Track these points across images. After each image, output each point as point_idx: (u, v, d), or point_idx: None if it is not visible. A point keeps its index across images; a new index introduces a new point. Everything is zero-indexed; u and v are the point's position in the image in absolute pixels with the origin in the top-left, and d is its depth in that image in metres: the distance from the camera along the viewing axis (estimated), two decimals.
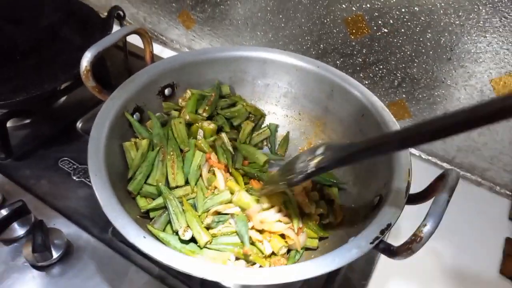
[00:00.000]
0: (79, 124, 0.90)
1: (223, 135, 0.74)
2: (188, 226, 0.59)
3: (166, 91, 0.74)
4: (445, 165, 0.94)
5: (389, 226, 0.50)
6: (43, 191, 0.76)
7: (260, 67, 0.80)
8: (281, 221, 0.62)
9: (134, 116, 0.68)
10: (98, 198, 0.50)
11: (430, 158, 0.96)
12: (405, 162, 0.59)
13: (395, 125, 0.66)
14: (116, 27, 0.96)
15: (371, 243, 0.48)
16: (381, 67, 0.88)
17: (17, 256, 0.66)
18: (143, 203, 0.64)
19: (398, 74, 0.87)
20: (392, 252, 0.49)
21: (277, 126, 0.83)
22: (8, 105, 0.76)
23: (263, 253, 0.60)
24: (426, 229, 0.45)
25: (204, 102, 0.76)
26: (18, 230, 0.68)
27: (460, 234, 0.81)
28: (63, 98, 0.93)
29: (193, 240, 0.60)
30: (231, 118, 0.78)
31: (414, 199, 0.57)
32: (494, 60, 0.75)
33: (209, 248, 0.59)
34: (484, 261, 0.77)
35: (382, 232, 0.49)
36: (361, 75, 0.91)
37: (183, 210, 0.61)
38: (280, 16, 0.93)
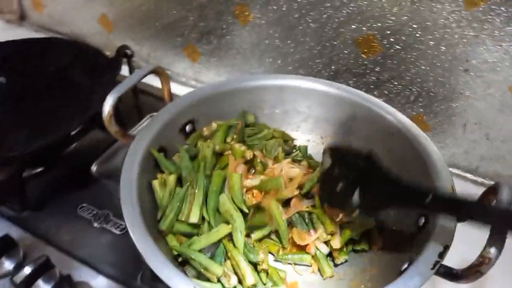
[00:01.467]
0: (94, 168, 0.87)
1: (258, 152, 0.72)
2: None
3: (187, 128, 0.73)
4: (468, 175, 0.92)
5: (446, 248, 0.48)
6: (64, 242, 0.73)
7: (278, 94, 0.79)
8: None
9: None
10: (143, 255, 0.48)
11: (451, 169, 0.94)
12: (446, 178, 0.58)
13: (427, 140, 0.65)
14: (124, 67, 0.96)
15: (431, 268, 0.46)
16: (395, 83, 0.87)
17: None
18: (174, 242, 0.61)
19: (413, 89, 0.86)
20: (456, 276, 0.47)
21: (306, 147, 0.81)
22: (24, 155, 0.74)
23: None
24: (493, 250, 0.43)
25: (231, 131, 0.74)
26: (42, 287, 0.65)
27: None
28: (76, 143, 0.91)
29: None
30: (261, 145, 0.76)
31: None
32: None
33: None
34: None
35: (441, 255, 0.47)
36: (375, 93, 0.90)
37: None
38: (289, 41, 0.93)
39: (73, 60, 0.95)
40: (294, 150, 0.80)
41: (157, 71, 0.69)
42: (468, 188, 0.81)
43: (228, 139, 0.72)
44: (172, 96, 0.74)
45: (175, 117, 0.69)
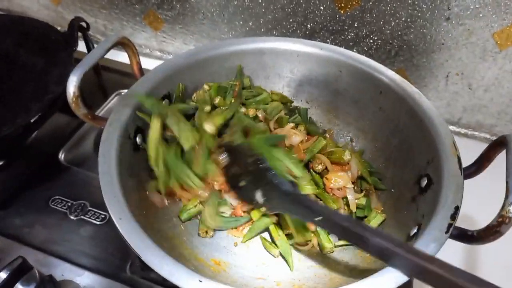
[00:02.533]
0: (61, 156, 0.80)
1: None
2: None
3: (164, 103, 0.66)
4: (451, 127, 0.92)
5: (457, 209, 0.46)
6: (40, 240, 0.67)
7: (258, 59, 0.73)
8: None
9: (137, 138, 0.60)
10: (133, 247, 0.43)
11: None
12: (446, 135, 0.55)
13: (421, 96, 0.62)
14: (79, 42, 0.87)
15: (446, 232, 0.44)
16: (375, 38, 0.83)
17: None
18: None
19: (394, 43, 0.83)
20: (472, 237, 0.45)
21: (306, 110, 0.76)
22: None
23: None
24: None
25: (229, 94, 0.69)
26: None
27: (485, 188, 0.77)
28: (37, 131, 0.82)
29: None
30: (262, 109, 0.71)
31: (466, 173, 0.53)
32: (495, 12, 0.72)
33: None
34: None
35: (453, 217, 0.45)
36: (355, 50, 0.86)
37: None
38: (259, 0, 0.86)
39: (21, 39, 0.84)
40: (294, 114, 0.75)
41: (123, 42, 0.61)
42: None
43: (227, 102, 0.67)
44: (141, 70, 0.66)
45: (149, 92, 0.62)
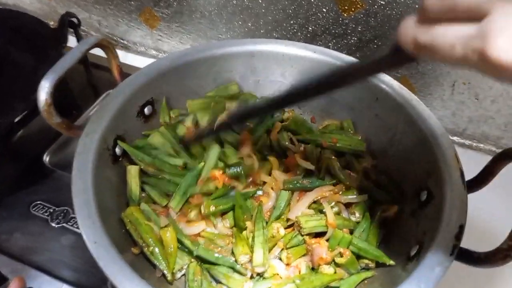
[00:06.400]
0: (46, 158, 0.76)
1: None
2: None
3: (146, 110, 0.62)
4: (455, 138, 0.88)
5: (462, 229, 0.43)
6: (18, 248, 0.64)
7: (248, 62, 0.69)
8: None
9: (117, 149, 0.56)
10: (108, 275, 0.39)
11: None
12: (447, 146, 0.52)
13: (420, 104, 0.59)
14: (71, 38, 0.83)
15: (450, 254, 0.40)
16: (379, 43, 0.79)
17: None
18: None
19: None
20: (478, 260, 0.41)
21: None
22: None
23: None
24: None
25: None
26: None
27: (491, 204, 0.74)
28: (22, 131, 0.78)
29: None
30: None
31: (468, 187, 0.49)
32: None
33: None
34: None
35: (458, 237, 0.42)
36: (357, 55, 0.82)
37: None
38: (260, 0, 0.82)
39: (9, 34, 0.81)
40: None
41: (101, 44, 0.56)
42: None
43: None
44: (122, 74, 0.61)
45: (130, 98, 0.57)
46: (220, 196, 0.59)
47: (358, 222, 0.58)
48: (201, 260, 0.54)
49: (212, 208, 0.57)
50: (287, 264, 0.54)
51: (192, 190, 0.58)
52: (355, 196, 0.60)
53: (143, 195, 0.59)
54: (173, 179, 0.59)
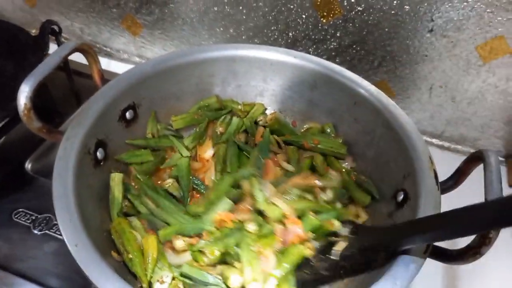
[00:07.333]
0: (28, 165, 0.76)
1: None
2: None
3: (128, 115, 0.63)
4: (434, 141, 0.90)
5: None
6: (1, 255, 0.63)
7: (229, 67, 0.70)
8: None
9: (98, 153, 0.56)
10: (90, 277, 0.40)
11: None
12: (422, 149, 0.53)
13: (397, 109, 0.60)
14: (52, 45, 0.83)
15: (424, 252, 0.42)
16: (358, 48, 0.81)
17: None
18: None
19: (377, 54, 0.81)
20: (451, 257, 0.43)
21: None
22: None
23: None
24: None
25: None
26: None
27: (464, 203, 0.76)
28: (2, 138, 0.78)
29: None
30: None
31: (442, 188, 0.51)
32: (478, 25, 0.71)
33: None
34: None
35: None
36: (337, 60, 0.84)
37: None
38: (240, 7, 0.83)
39: None
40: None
41: (82, 48, 0.56)
42: (434, 153, 0.79)
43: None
44: (103, 79, 0.62)
45: (111, 103, 0.58)
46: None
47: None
48: (185, 277, 0.52)
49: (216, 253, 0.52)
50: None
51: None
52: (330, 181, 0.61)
53: (125, 203, 0.58)
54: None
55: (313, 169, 0.66)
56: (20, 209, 0.69)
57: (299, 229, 0.52)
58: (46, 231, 0.66)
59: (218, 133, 0.70)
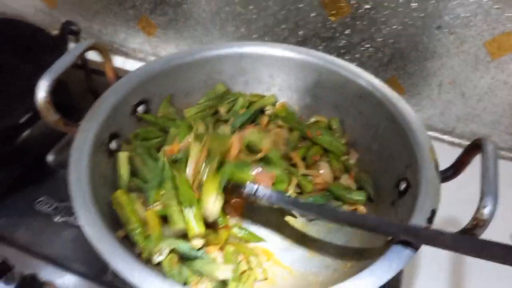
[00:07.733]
0: (49, 157, 0.80)
1: None
2: None
3: (140, 109, 0.66)
4: (445, 137, 0.90)
5: (434, 213, 0.46)
6: (23, 241, 0.67)
7: (237, 63, 0.73)
8: None
9: (112, 144, 0.60)
10: (102, 254, 0.43)
11: (429, 132, 0.92)
12: (424, 140, 0.55)
13: (399, 100, 0.62)
14: (72, 45, 0.87)
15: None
16: (367, 46, 0.83)
17: None
18: None
19: (386, 51, 0.82)
20: None
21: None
22: None
23: None
24: (488, 210, 0.41)
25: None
26: None
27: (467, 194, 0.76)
28: (26, 132, 0.82)
29: None
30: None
31: (443, 177, 0.53)
32: (485, 21, 0.71)
33: None
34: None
35: (430, 221, 0.45)
36: (346, 57, 0.86)
37: None
38: (251, 7, 0.86)
39: (10, 41, 0.85)
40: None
41: (95, 47, 0.60)
42: (446, 150, 0.80)
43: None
44: (116, 76, 0.65)
45: (124, 98, 0.61)
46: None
47: None
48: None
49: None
50: None
51: None
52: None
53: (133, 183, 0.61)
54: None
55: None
56: (42, 198, 0.73)
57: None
58: (66, 219, 0.70)
59: (222, 113, 0.72)
